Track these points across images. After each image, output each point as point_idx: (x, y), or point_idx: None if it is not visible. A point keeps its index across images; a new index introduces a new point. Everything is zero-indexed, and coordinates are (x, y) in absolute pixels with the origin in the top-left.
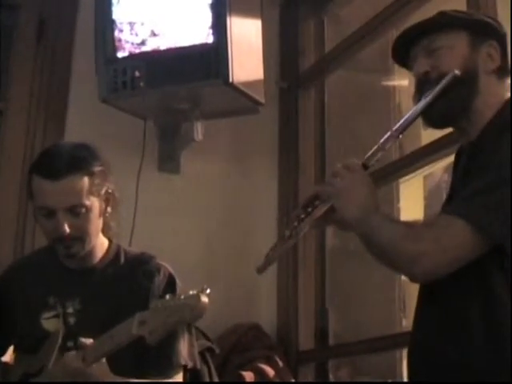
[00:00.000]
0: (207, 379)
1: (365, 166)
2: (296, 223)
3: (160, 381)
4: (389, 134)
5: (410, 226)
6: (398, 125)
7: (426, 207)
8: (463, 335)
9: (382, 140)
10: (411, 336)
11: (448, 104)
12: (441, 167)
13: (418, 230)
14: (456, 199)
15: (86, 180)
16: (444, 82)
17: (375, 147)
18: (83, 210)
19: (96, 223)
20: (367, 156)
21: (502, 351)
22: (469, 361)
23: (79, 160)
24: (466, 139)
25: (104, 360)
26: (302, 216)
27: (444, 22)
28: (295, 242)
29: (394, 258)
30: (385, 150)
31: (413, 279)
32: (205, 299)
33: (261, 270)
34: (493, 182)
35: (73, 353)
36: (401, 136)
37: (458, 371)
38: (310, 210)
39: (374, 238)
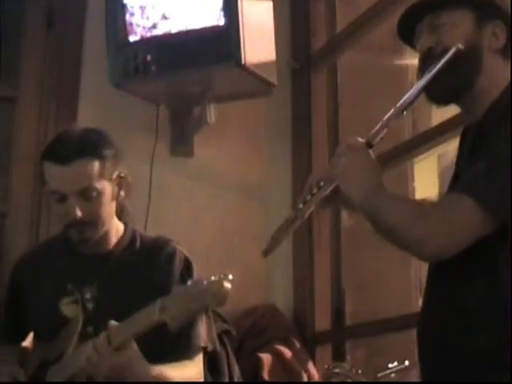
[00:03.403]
0: (225, 362)
1: (369, 145)
2: (301, 205)
3: (182, 382)
4: (392, 110)
5: (417, 205)
6: (401, 101)
7: (441, 186)
8: (469, 316)
9: (385, 117)
10: (420, 316)
11: (451, 79)
12: (455, 146)
13: (426, 209)
14: (463, 178)
15: (96, 163)
16: (447, 56)
17: (379, 125)
18: (94, 193)
19: (108, 207)
20: (371, 134)
21: (508, 331)
22: (474, 341)
23: (88, 144)
24: (471, 118)
25: (135, 345)
26: (308, 197)
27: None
28: (300, 223)
29: (402, 237)
30: (388, 127)
31: (422, 258)
32: (227, 285)
33: (266, 252)
34: (500, 161)
35: (100, 337)
36: (405, 112)
37: (465, 351)
38: (315, 191)
39: (381, 218)
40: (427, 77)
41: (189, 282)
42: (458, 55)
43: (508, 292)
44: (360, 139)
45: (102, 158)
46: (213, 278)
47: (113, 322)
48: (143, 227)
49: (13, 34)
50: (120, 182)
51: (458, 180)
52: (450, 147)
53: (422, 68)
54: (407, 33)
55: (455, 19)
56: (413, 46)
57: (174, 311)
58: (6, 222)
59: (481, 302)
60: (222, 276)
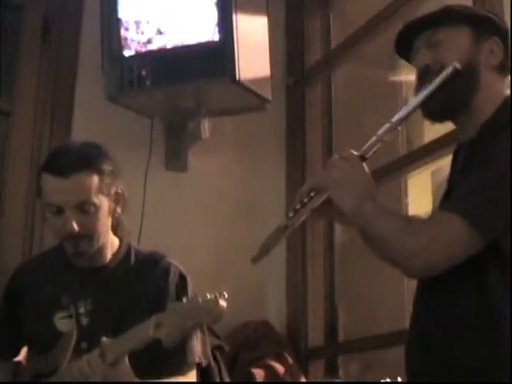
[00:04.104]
0: (217, 377)
1: (362, 158)
2: (291, 214)
3: (176, 381)
4: (387, 125)
5: (408, 220)
6: (396, 116)
7: (434, 202)
8: (458, 331)
9: (379, 131)
10: (408, 332)
11: (447, 97)
12: (448, 162)
13: (416, 225)
14: (453, 196)
15: (95, 178)
16: (444, 73)
17: (373, 139)
18: (92, 207)
19: (105, 222)
20: (365, 147)
21: (497, 346)
22: (463, 356)
23: (88, 158)
24: (464, 135)
25: (127, 361)
26: (298, 207)
27: (447, 16)
28: (290, 233)
29: (390, 251)
30: (382, 141)
31: (409, 275)
32: (223, 303)
33: (255, 259)
34: (490, 179)
35: (94, 353)
36: (399, 128)
37: (453, 367)
38: (305, 200)
39: (371, 230)
40: (423, 93)
41: (184, 300)
42: (455, 73)
43: (499, 306)
44: (353, 152)
45: (101, 173)
46: (208, 295)
47: (105, 339)
48: (137, 241)
49: (7, 48)
50: (117, 198)
51: (449, 197)
52: (444, 163)
53: (420, 85)
54: (404, 48)
55: (453, 36)
56: (409, 60)
57: (169, 328)
58: (1, 235)
59: (472, 316)
60: (218, 294)
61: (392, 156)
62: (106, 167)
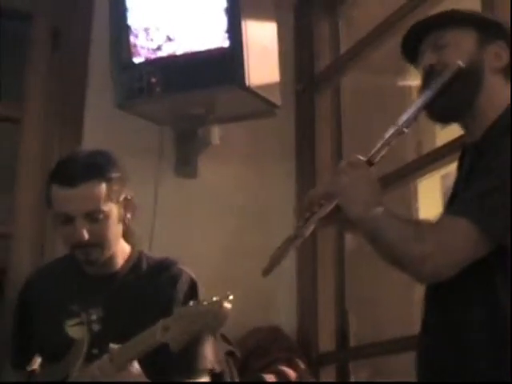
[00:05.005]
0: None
1: (369, 163)
2: (301, 223)
3: (187, 381)
4: (393, 129)
5: (416, 224)
6: (401, 118)
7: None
8: (464, 337)
9: (386, 135)
10: (418, 339)
11: (451, 98)
12: None
13: (424, 230)
14: (459, 200)
15: (103, 186)
16: (448, 73)
17: (380, 143)
18: (101, 215)
19: (115, 229)
20: (372, 152)
21: (503, 353)
22: (470, 364)
23: (96, 166)
24: (470, 138)
25: (137, 365)
26: (307, 215)
27: (454, 18)
28: (301, 242)
29: (398, 257)
30: (389, 145)
31: (419, 279)
32: (227, 306)
33: (266, 271)
34: (496, 183)
35: (104, 358)
36: (406, 130)
37: (460, 374)
38: (315, 209)
39: (379, 235)
40: (427, 94)
41: (190, 303)
42: (458, 73)
43: (506, 313)
44: (361, 157)
45: (109, 181)
46: (214, 298)
47: (113, 345)
48: (148, 248)
49: (17, 55)
50: (126, 205)
51: (455, 200)
52: (453, 167)
53: (424, 85)
54: (411, 52)
55: (458, 38)
56: (415, 64)
57: (176, 332)
58: (12, 243)
59: (479, 324)
60: (223, 296)
61: (402, 161)
62: (114, 174)
